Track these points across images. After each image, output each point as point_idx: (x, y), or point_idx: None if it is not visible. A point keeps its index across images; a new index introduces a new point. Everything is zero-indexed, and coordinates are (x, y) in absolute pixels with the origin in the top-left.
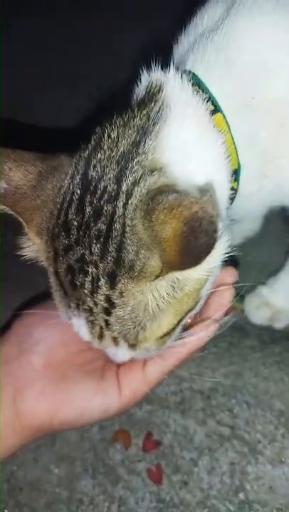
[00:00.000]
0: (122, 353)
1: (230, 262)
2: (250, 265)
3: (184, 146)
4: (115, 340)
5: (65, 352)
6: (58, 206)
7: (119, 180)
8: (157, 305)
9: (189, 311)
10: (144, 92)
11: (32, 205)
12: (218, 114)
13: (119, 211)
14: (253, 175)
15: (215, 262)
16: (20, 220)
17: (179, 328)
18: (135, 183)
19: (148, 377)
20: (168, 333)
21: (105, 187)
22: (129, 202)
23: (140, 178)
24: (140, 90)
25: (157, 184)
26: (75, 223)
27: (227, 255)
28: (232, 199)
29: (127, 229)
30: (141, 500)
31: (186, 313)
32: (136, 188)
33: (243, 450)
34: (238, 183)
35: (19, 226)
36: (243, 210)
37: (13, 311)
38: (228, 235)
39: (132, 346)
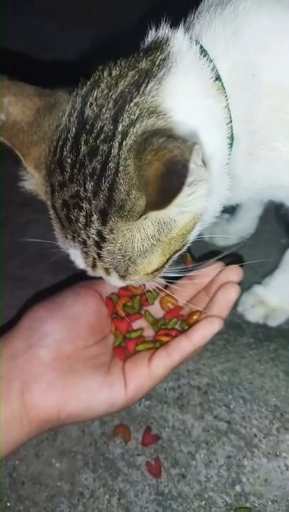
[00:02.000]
0: (113, 281)
1: (235, 260)
2: (246, 265)
3: (187, 97)
4: (107, 270)
5: (72, 347)
6: (54, 143)
7: (115, 120)
8: (145, 244)
9: (177, 251)
10: (150, 43)
11: (29, 140)
12: (219, 83)
13: (114, 151)
14: (242, 151)
15: (194, 206)
16: (18, 153)
17: (167, 266)
18: (131, 124)
19: (153, 372)
20: (157, 270)
21: (102, 127)
22: (124, 142)
23: (137, 119)
24: (147, 43)
25: (154, 127)
26: (69, 161)
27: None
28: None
29: (120, 168)
30: (140, 493)
31: (174, 253)
32: (131, 129)
33: (239, 444)
34: (229, 154)
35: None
36: (234, 191)
37: (16, 310)
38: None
39: (123, 277)
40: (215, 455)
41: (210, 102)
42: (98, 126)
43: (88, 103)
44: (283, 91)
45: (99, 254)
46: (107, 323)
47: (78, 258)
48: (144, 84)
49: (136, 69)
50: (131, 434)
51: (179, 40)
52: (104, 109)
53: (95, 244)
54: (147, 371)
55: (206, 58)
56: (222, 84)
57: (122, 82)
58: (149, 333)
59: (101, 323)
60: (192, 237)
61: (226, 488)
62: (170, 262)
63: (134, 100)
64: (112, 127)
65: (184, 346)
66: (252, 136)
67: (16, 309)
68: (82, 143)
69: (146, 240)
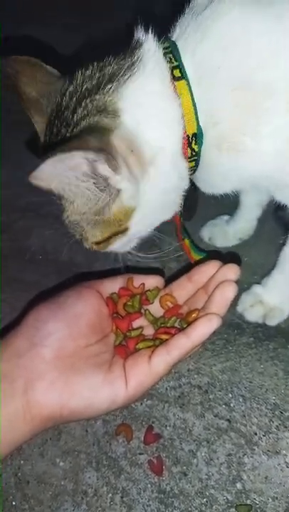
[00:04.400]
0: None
1: (233, 259)
2: (244, 266)
3: (140, 99)
4: (72, 229)
5: (74, 345)
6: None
7: (74, 111)
8: (84, 218)
9: (118, 233)
10: (130, 46)
11: (34, 107)
12: (182, 81)
13: (67, 135)
14: (211, 143)
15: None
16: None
17: (115, 241)
18: (84, 117)
19: (153, 369)
20: (101, 242)
21: (66, 116)
22: (74, 130)
23: (88, 114)
24: (132, 43)
25: (99, 123)
26: (47, 137)
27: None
28: (195, 160)
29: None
30: (143, 491)
31: (116, 235)
32: (82, 122)
33: (239, 442)
34: (199, 147)
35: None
36: (209, 180)
37: (18, 311)
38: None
39: (81, 239)
40: (216, 453)
41: (163, 103)
42: (65, 114)
43: (64, 95)
44: (249, 86)
45: (67, 218)
46: (108, 322)
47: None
48: (104, 86)
49: (102, 72)
50: (133, 433)
51: (148, 45)
52: (71, 102)
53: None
54: (148, 368)
55: (171, 60)
56: (185, 81)
57: (89, 81)
58: (149, 331)
59: (102, 323)
60: (136, 225)
61: (227, 485)
62: (114, 239)
63: (91, 97)
64: (71, 117)
65: (183, 344)
66: (218, 129)
67: (19, 312)
68: (54, 125)
69: (85, 216)
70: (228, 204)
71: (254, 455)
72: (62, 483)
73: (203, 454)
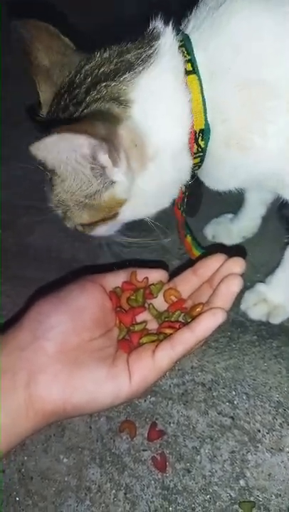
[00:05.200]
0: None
1: (238, 253)
2: (248, 264)
3: (152, 92)
4: (55, 206)
5: (77, 339)
6: (55, 91)
7: (86, 92)
8: (72, 198)
9: (106, 219)
10: (147, 35)
11: (43, 75)
12: (193, 76)
13: (76, 114)
14: (218, 139)
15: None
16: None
17: (101, 226)
18: (96, 100)
19: (157, 363)
20: (88, 225)
21: (78, 93)
22: (84, 111)
23: (100, 98)
24: (147, 32)
25: (110, 111)
26: (54, 108)
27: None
28: (200, 157)
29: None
30: (146, 488)
31: (104, 220)
32: (94, 104)
33: (243, 439)
34: (206, 143)
35: None
36: (215, 176)
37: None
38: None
39: (63, 218)
40: (219, 450)
41: (174, 97)
42: (76, 92)
43: (79, 73)
44: (258, 86)
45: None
46: (111, 316)
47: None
48: (121, 73)
49: (121, 58)
50: (137, 430)
51: (165, 38)
52: (85, 82)
53: (50, 182)
54: (151, 363)
55: (184, 54)
56: (196, 76)
57: (107, 65)
58: (152, 325)
59: (105, 317)
60: (126, 212)
61: (230, 482)
62: (100, 224)
63: (107, 83)
64: (82, 97)
65: (187, 338)
66: (227, 126)
67: (21, 308)
68: (62, 99)
69: (73, 199)
70: (233, 202)
71: (257, 452)
72: (66, 479)
73: (206, 451)
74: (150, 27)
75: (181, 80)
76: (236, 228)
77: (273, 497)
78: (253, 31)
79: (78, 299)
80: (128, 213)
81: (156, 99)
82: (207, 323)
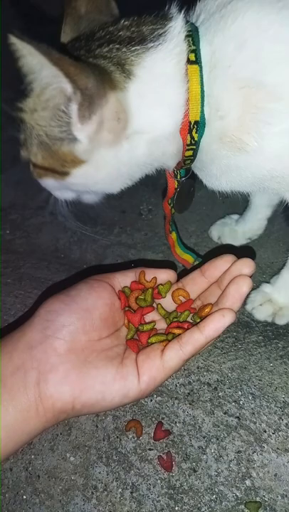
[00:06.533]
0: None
1: (246, 254)
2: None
3: (154, 74)
4: (20, 126)
5: (87, 338)
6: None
7: (99, 46)
8: (37, 129)
9: (55, 173)
10: (163, 14)
11: (73, 19)
12: (195, 66)
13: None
14: (214, 135)
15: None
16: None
17: (48, 178)
18: (104, 57)
19: (166, 363)
20: (38, 168)
21: (92, 44)
22: (89, 60)
23: (109, 58)
24: (164, 11)
25: (111, 74)
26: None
27: None
28: (193, 150)
29: None
30: (152, 487)
31: (53, 172)
32: (99, 59)
33: (249, 439)
34: (200, 136)
35: None
36: (209, 174)
37: (28, 308)
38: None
39: (22, 145)
40: (225, 450)
41: (172, 84)
42: (90, 43)
43: (102, 29)
44: (257, 86)
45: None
46: (120, 316)
47: None
48: (134, 44)
49: (138, 29)
50: (143, 429)
51: (176, 23)
52: (102, 38)
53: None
54: (160, 363)
55: (190, 43)
56: (198, 67)
57: (125, 31)
58: (161, 325)
59: (114, 316)
60: (77, 177)
61: (236, 482)
62: (52, 179)
63: (119, 47)
64: (94, 48)
65: (196, 338)
66: (224, 123)
67: (30, 308)
68: (78, 42)
69: (35, 120)
70: (238, 203)
71: (263, 452)
72: (73, 477)
73: (212, 451)
74: (169, 7)
75: (182, 67)
76: (241, 230)
77: (279, 497)
78: (258, 32)
79: (88, 298)
80: (78, 179)
81: (155, 82)
82: (216, 324)
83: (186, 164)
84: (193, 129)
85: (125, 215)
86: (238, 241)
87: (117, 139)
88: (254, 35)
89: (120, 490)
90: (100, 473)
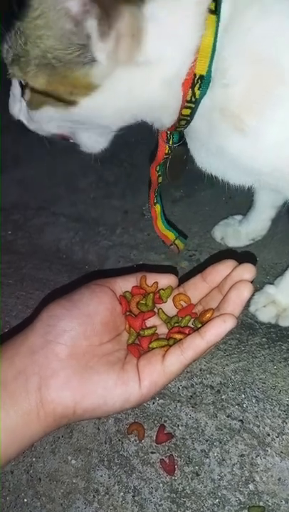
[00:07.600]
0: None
1: (248, 259)
2: (258, 266)
3: (175, 7)
4: (10, 48)
5: (88, 343)
6: None
7: None
8: (38, 50)
9: (61, 100)
10: None
11: None
12: (213, 16)
13: None
14: (214, 101)
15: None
16: None
17: (48, 108)
18: None
19: (167, 368)
20: (37, 94)
21: None
22: None
23: None
24: None
25: (129, 10)
26: None
27: None
28: (192, 109)
29: None
30: (154, 490)
31: (58, 99)
32: None
33: (252, 443)
34: (201, 95)
35: None
36: (201, 143)
37: (31, 309)
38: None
39: (10, 64)
40: (228, 453)
41: (189, 25)
42: None
43: None
44: (271, 66)
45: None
46: (121, 320)
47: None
48: None
49: None
50: (145, 432)
51: None
52: None
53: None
54: (161, 368)
55: None
56: (217, 18)
57: None
58: (162, 330)
59: (115, 321)
60: (85, 108)
61: (240, 486)
62: (53, 109)
63: None
64: None
65: (197, 343)
66: (228, 93)
67: (33, 310)
68: None
69: (37, 41)
70: (241, 204)
71: (267, 456)
72: (74, 481)
73: (215, 454)
74: None
75: (201, 13)
76: (245, 231)
77: (283, 502)
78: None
79: (89, 303)
80: (86, 110)
81: (172, 13)
82: (217, 329)
83: (180, 126)
84: (197, 83)
85: (127, 215)
86: (241, 242)
87: (130, 60)
88: (281, 8)
89: (122, 493)
90: (101, 476)
